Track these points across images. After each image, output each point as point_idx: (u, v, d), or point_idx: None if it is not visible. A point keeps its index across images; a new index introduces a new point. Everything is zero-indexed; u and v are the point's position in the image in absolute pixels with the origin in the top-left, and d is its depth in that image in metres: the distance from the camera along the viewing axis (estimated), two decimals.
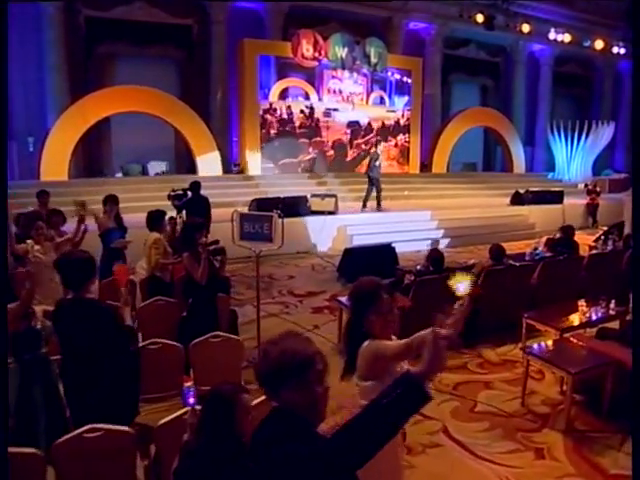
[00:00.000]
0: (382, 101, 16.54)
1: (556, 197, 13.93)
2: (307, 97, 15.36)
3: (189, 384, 2.79)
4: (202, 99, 14.88)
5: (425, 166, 16.62)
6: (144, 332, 4.63)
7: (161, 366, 3.61)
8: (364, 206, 11.75)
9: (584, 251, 8.77)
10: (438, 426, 3.99)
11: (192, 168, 13.91)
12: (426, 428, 3.95)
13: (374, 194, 11.74)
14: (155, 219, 5.48)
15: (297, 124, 15.16)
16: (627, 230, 12.47)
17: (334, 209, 10.43)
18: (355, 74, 15.55)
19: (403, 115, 16.68)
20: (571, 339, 4.61)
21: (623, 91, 22.73)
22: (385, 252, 8.34)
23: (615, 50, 19.51)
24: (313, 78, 15.42)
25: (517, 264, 6.10)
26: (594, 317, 5.30)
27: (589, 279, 6.56)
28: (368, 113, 16.17)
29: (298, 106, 15.20)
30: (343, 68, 15.15)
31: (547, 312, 5.42)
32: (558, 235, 6.98)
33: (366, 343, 2.30)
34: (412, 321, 5.32)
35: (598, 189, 14.30)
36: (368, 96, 16.19)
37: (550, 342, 4.62)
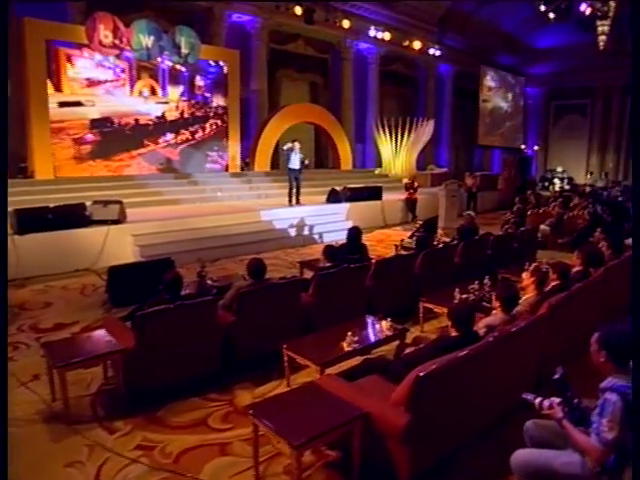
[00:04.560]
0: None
1: (375, 193, 13.69)
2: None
3: None
4: None
5: (247, 165, 15.64)
6: None
7: None
8: (297, 201, 12.46)
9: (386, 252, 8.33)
10: None
11: None
12: None
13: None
14: None
15: None
16: (441, 224, 12.57)
17: (119, 217, 8.91)
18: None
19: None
20: (319, 381, 3.69)
21: (443, 91, 24.05)
22: (165, 268, 7.06)
23: (431, 52, 20.64)
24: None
25: (281, 282, 5.17)
26: (365, 342, 4.56)
27: (375, 291, 5.90)
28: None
29: None
30: (149, 58, 13.54)
31: (312, 340, 4.59)
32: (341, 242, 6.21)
33: None
34: (138, 357, 4.16)
35: (415, 184, 14.38)
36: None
37: (293, 389, 3.74)
